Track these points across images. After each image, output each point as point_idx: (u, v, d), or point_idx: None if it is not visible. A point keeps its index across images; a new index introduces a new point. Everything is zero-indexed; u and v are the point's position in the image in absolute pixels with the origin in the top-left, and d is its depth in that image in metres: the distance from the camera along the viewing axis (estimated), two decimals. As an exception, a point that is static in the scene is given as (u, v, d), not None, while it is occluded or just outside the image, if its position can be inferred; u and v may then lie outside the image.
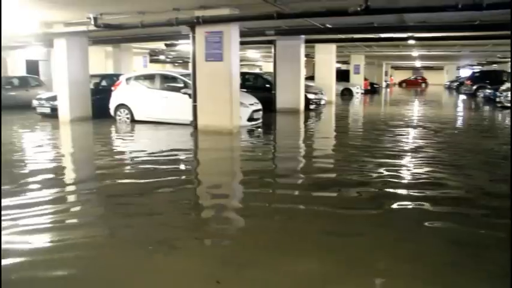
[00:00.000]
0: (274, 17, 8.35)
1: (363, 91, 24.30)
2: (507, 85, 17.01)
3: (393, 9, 8.16)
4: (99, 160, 7.13)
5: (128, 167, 6.62)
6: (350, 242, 3.59)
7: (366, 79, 26.47)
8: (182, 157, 7.42)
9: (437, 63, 38.73)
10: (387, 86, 37.21)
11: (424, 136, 9.30)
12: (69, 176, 6.22)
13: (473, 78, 25.15)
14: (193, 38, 9.50)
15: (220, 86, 9.18)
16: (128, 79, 11.53)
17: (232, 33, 9.05)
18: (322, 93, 15.70)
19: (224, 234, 3.86)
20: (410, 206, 4.56)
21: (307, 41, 14.50)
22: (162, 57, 26.03)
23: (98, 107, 11.96)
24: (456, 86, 32.09)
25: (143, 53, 21.69)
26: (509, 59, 21.22)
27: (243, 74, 13.30)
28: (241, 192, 5.34)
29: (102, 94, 12.28)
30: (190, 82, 9.94)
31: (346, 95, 22.67)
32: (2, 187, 5.07)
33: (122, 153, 7.94)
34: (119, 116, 11.33)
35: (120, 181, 5.68)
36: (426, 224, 3.96)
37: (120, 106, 11.30)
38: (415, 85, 43.44)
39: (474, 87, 23.84)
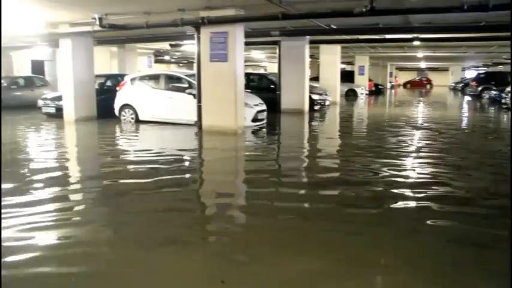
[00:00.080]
0: (279, 18, 8.34)
1: (367, 92, 24.25)
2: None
3: (398, 10, 8.14)
4: (104, 159, 7.16)
5: (133, 166, 6.64)
6: (351, 240, 3.61)
7: (370, 80, 26.40)
8: (187, 157, 7.44)
9: (442, 64, 38.57)
10: (392, 87, 37.11)
11: (429, 137, 9.27)
12: (75, 174, 6.25)
13: (479, 80, 25.04)
14: (198, 38, 9.51)
15: (225, 86, 9.19)
16: (132, 79, 11.56)
17: (237, 34, 9.06)
18: (326, 94, 15.69)
19: (228, 232, 3.87)
20: (413, 205, 4.59)
21: (311, 42, 14.49)
22: (166, 57, 26.09)
23: (103, 107, 11.99)
24: (461, 88, 31.94)
25: (148, 53, 21.72)
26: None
27: (247, 75, 13.32)
28: (246, 191, 5.37)
29: (107, 94, 12.31)
30: (195, 82, 9.96)
31: (350, 96, 22.63)
32: (8, 186, 5.13)
33: (127, 152, 7.96)
34: (124, 116, 11.36)
35: (125, 180, 5.71)
36: (428, 222, 4.00)
37: (125, 106, 11.33)
38: (419, 86, 43.30)
39: (479, 88, 23.75)
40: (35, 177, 5.70)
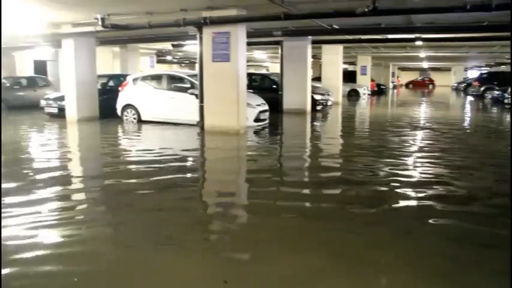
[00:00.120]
0: (282, 18, 8.34)
1: (369, 92, 24.20)
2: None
3: (401, 10, 8.13)
4: (107, 159, 7.16)
5: (135, 166, 6.65)
6: (352, 238, 3.64)
7: (372, 80, 26.38)
8: (189, 157, 7.45)
9: (444, 64, 38.51)
10: (394, 87, 37.05)
11: (431, 137, 9.26)
12: (77, 174, 6.26)
13: (481, 80, 25.00)
14: (201, 38, 9.51)
15: (227, 86, 9.19)
16: (135, 79, 11.57)
17: (239, 34, 9.06)
18: (328, 94, 15.68)
19: (229, 231, 3.91)
20: (414, 204, 4.61)
21: (314, 42, 14.49)
22: (169, 57, 26.11)
23: (105, 107, 12.01)
24: (464, 88, 31.91)
25: (150, 53, 21.76)
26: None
27: (249, 75, 13.31)
28: (247, 191, 5.40)
29: (109, 94, 12.33)
30: (197, 82, 9.97)
31: (352, 96, 22.60)
32: (12, 185, 5.17)
33: (129, 152, 7.99)
34: (126, 116, 11.37)
35: (127, 180, 5.71)
36: (430, 221, 4.02)
37: (127, 106, 11.35)
38: (422, 86, 43.22)
39: (482, 88, 23.71)
40: (37, 177, 5.73)
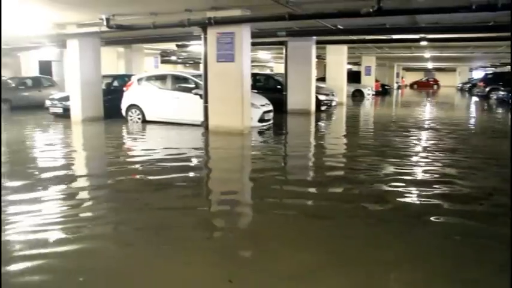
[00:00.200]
0: (286, 18, 8.33)
1: (374, 93, 24.15)
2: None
3: (406, 10, 8.11)
4: (112, 159, 7.19)
5: (140, 166, 6.66)
6: (352, 237, 3.66)
7: (377, 80, 26.33)
8: (194, 156, 7.47)
9: (449, 64, 38.37)
10: (398, 87, 36.98)
11: (436, 137, 9.22)
12: (82, 173, 6.30)
13: (486, 80, 24.86)
14: (205, 39, 9.52)
15: (231, 86, 9.20)
16: (139, 80, 11.59)
17: (243, 34, 9.06)
18: (333, 95, 15.66)
19: (233, 228, 3.97)
20: (416, 203, 4.64)
21: (318, 42, 14.47)
22: (173, 58, 26.14)
23: (110, 107, 12.05)
24: (469, 88, 31.78)
25: (154, 53, 21.78)
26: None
27: (254, 75, 13.32)
28: (251, 190, 5.45)
29: (113, 94, 12.37)
30: (201, 83, 9.97)
31: (357, 96, 22.55)
32: (18, 183, 5.23)
33: (134, 152, 8.02)
34: (131, 116, 11.40)
35: (131, 178, 5.77)
36: (432, 219, 4.05)
37: (132, 106, 11.37)
38: (426, 87, 43.10)
39: (487, 89, 23.59)
40: (43, 176, 5.78)
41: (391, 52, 21.72)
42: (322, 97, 14.86)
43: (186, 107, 10.49)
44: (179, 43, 16.62)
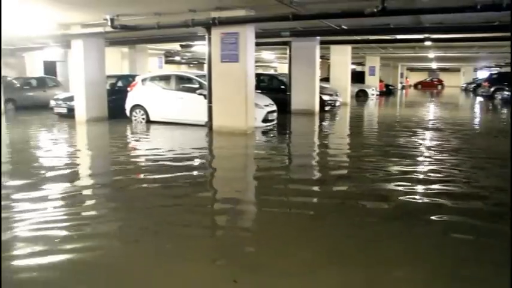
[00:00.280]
0: (290, 19, 8.33)
1: (378, 93, 24.10)
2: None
3: (410, 10, 8.09)
4: (116, 158, 7.20)
5: (144, 165, 6.71)
6: (352, 235, 3.68)
7: (381, 81, 26.27)
8: (198, 156, 7.47)
9: (453, 64, 38.24)
10: (403, 87, 36.88)
11: (440, 138, 9.19)
12: (86, 172, 6.32)
13: (491, 80, 24.74)
14: (209, 39, 9.53)
15: (235, 87, 9.21)
16: (143, 80, 11.62)
17: (247, 35, 9.07)
18: (337, 95, 15.65)
19: (236, 226, 4.00)
20: (418, 202, 4.64)
21: (322, 42, 14.46)
22: (177, 58, 26.19)
23: (114, 108, 12.09)
24: (473, 88, 31.65)
25: (158, 54, 21.82)
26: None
27: (258, 75, 13.30)
28: (254, 189, 5.50)
29: (118, 95, 12.40)
30: (205, 83, 9.99)
31: (361, 96, 22.50)
32: (21, 182, 5.27)
33: (138, 151, 8.05)
34: (135, 116, 11.42)
35: (135, 177, 5.82)
36: (433, 217, 4.07)
37: (136, 107, 11.40)
38: (431, 87, 42.96)
39: (492, 89, 23.47)
40: (47, 175, 5.83)
41: (395, 52, 21.67)
42: (326, 97, 14.85)
43: (190, 107, 10.51)
44: (183, 43, 16.64)
